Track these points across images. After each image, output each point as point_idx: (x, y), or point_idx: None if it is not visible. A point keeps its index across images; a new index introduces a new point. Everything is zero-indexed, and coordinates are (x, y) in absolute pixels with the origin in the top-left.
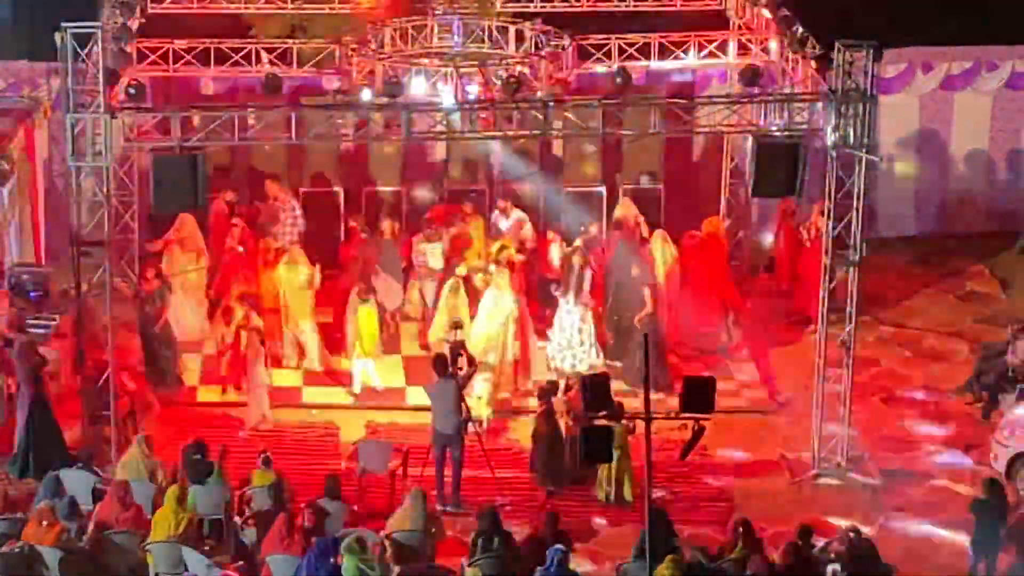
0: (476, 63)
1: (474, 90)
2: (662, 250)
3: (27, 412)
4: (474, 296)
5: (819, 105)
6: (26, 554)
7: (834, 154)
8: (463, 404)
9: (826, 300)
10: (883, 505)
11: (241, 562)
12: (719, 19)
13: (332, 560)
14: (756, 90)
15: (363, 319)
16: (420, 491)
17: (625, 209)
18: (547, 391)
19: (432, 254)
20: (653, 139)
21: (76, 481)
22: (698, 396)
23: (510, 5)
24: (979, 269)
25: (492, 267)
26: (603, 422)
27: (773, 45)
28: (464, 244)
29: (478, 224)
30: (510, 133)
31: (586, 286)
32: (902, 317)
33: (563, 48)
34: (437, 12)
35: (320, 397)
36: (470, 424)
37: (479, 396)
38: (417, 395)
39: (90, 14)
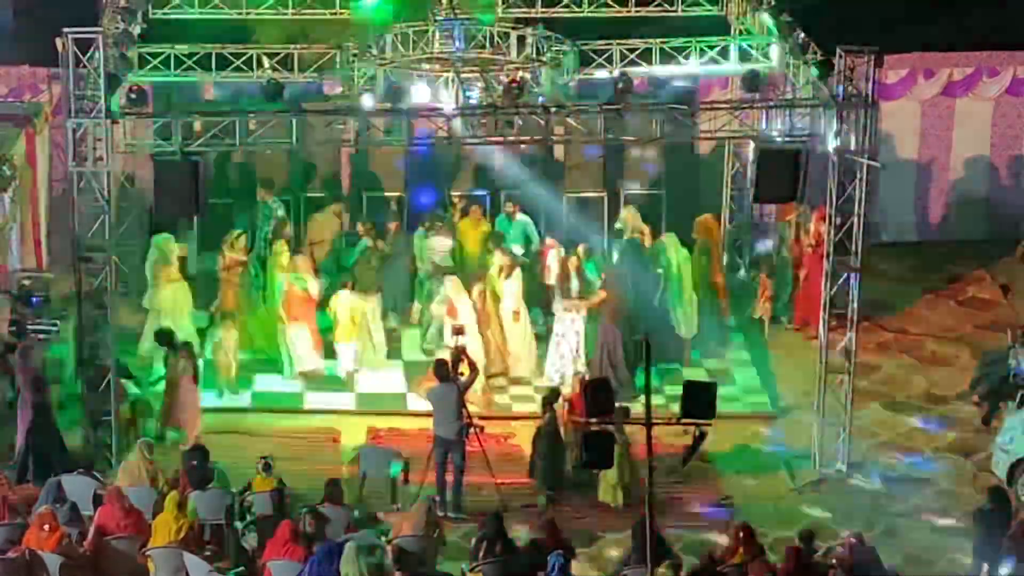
0: (478, 68)
1: (475, 95)
2: (675, 253)
3: (28, 417)
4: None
5: (821, 111)
6: (27, 560)
7: (835, 160)
8: (464, 409)
9: (828, 306)
10: (885, 510)
11: (242, 568)
12: (720, 25)
13: (334, 566)
14: (758, 96)
15: (337, 305)
16: (429, 497)
17: (628, 214)
18: (549, 397)
19: (442, 250)
20: (654, 145)
21: (77, 486)
22: (699, 401)
23: (511, 11)
24: (980, 275)
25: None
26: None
27: (774, 51)
28: (472, 244)
29: (484, 227)
30: (511, 139)
31: (574, 292)
32: (903, 323)
33: (564, 53)
34: (438, 18)
35: (321, 402)
36: (472, 428)
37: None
38: (419, 400)
39: (91, 19)
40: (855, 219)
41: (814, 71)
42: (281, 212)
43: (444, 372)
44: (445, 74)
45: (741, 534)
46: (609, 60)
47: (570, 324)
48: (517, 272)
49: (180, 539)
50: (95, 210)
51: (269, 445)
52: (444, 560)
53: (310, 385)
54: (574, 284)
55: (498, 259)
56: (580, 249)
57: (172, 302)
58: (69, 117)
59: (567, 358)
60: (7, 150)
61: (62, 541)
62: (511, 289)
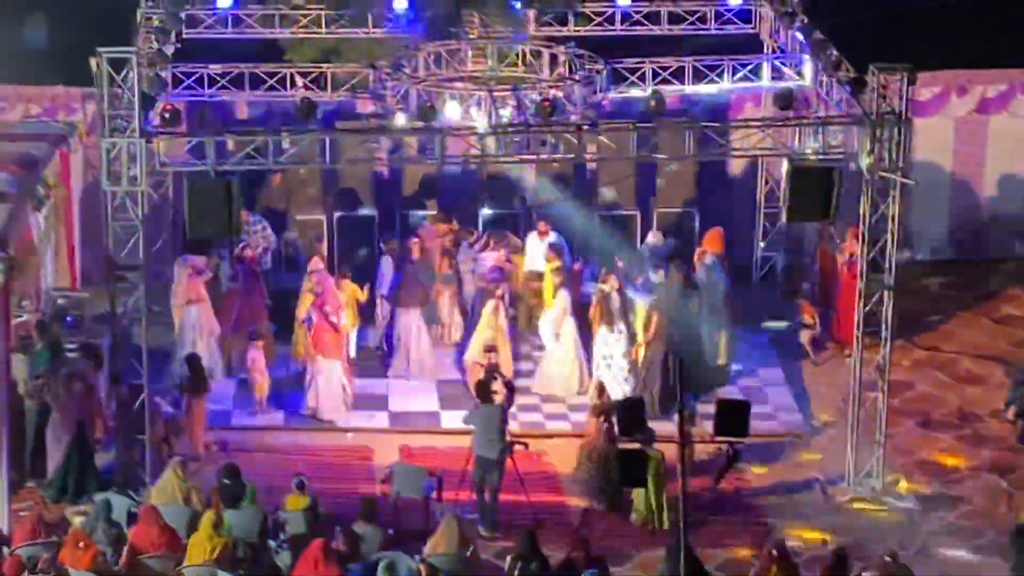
0: (510, 87)
1: (508, 114)
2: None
3: (68, 437)
4: None
5: (854, 128)
6: None
7: (869, 178)
8: (506, 430)
9: (861, 324)
10: (919, 530)
11: None
12: (753, 43)
13: None
14: (790, 114)
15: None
16: (455, 515)
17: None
18: (606, 409)
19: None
20: (687, 163)
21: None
22: (732, 420)
23: (544, 29)
24: (1015, 292)
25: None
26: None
27: (807, 68)
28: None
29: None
30: (544, 157)
31: (615, 312)
32: (937, 340)
33: (597, 72)
34: (471, 36)
35: (355, 421)
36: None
37: None
38: (453, 419)
39: (125, 39)
40: (888, 236)
41: (847, 88)
42: (262, 230)
43: (487, 393)
44: (477, 93)
45: (775, 553)
46: (642, 78)
47: (615, 343)
48: (565, 291)
49: (214, 558)
50: (128, 229)
51: (302, 463)
52: None
53: None
54: (615, 304)
55: (548, 271)
56: (616, 270)
57: (198, 321)
58: (103, 136)
59: (615, 378)
60: (41, 170)
61: (96, 559)
62: (561, 304)
